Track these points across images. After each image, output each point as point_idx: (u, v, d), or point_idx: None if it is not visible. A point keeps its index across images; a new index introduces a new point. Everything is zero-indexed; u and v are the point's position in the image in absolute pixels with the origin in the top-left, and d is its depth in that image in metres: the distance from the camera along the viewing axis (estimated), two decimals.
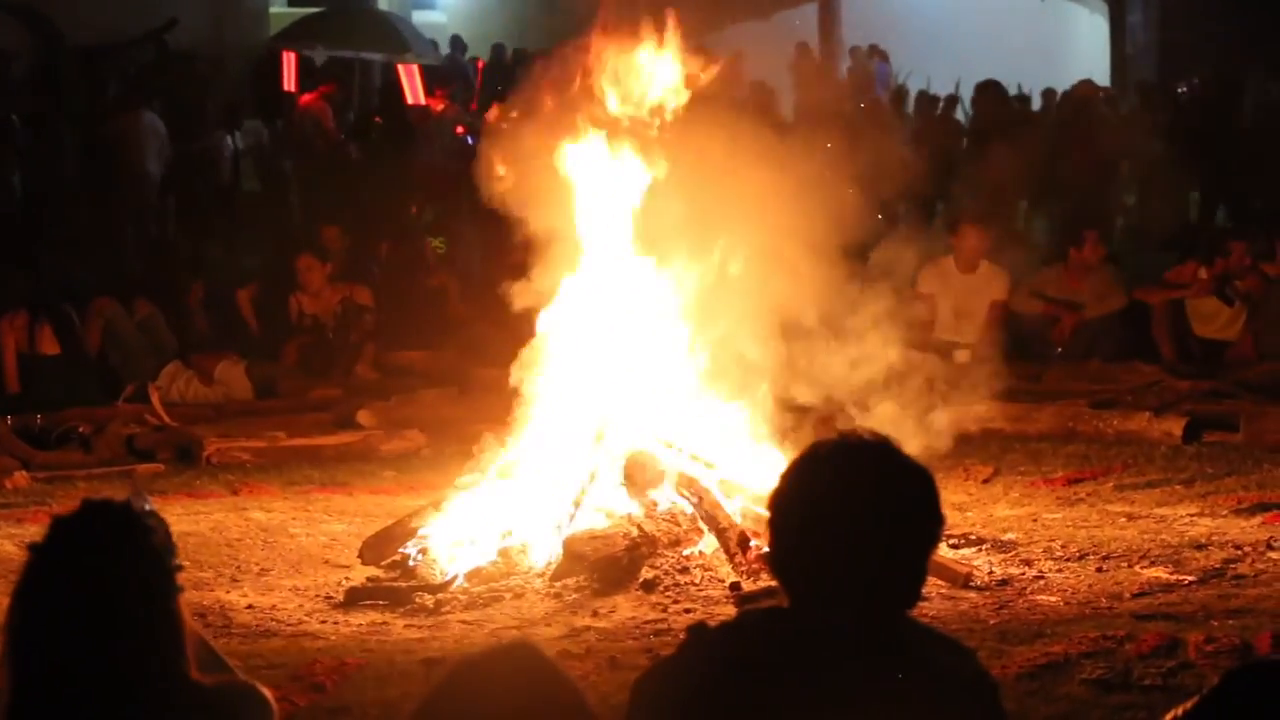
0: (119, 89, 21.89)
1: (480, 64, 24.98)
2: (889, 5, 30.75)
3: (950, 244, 13.87)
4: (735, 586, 8.00)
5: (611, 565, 8.14)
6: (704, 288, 8.99)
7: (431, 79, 24.09)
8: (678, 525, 8.49)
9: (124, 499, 3.59)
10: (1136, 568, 8.31)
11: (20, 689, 3.38)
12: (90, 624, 3.37)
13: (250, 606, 8.11)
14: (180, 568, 3.51)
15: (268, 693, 3.56)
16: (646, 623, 7.72)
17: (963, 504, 9.65)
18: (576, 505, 8.53)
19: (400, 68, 23.92)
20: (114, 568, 3.42)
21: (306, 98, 22.90)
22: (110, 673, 3.37)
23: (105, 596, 3.39)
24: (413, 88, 22.94)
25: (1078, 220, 15.35)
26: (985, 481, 10.35)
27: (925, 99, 23.67)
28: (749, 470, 8.70)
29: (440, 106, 23.00)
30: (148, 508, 3.60)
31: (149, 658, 3.39)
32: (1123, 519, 9.33)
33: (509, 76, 25.05)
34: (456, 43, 29.49)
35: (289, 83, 23.64)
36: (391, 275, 15.37)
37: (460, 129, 22.33)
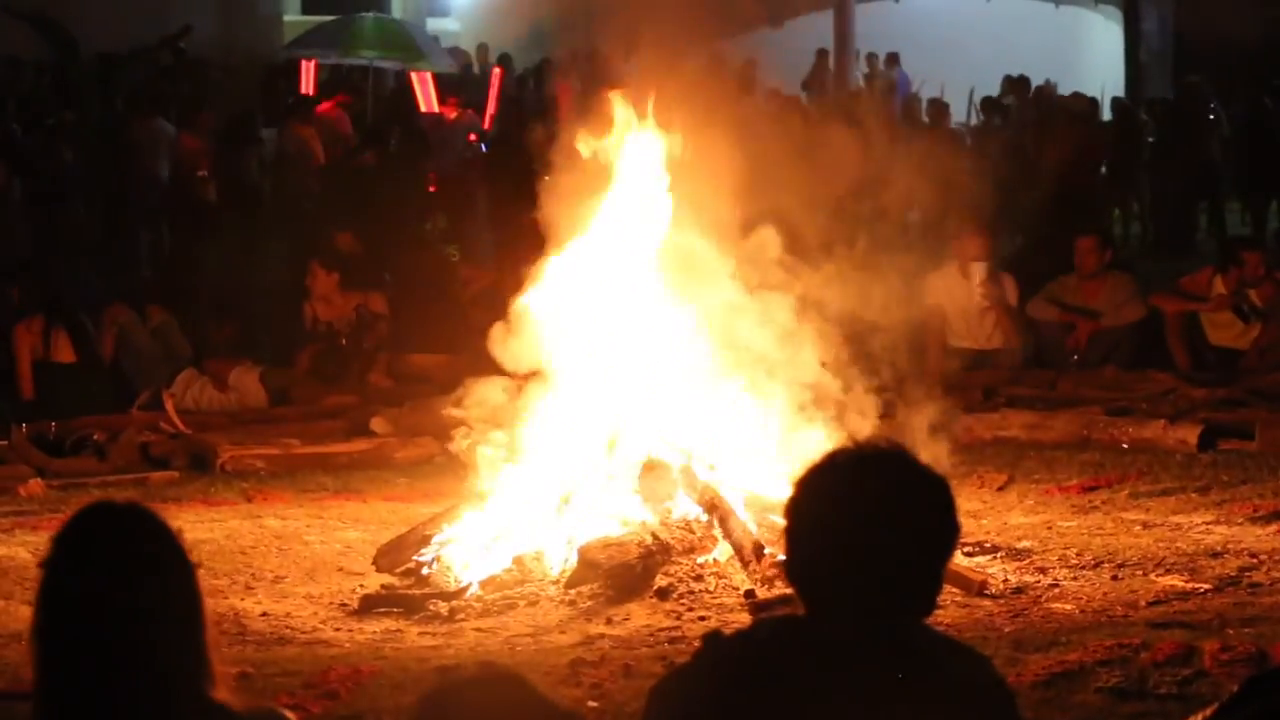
0: (134, 96, 21.93)
1: (499, 72, 25.00)
2: (902, 13, 30.77)
3: (954, 251, 13.86)
4: (750, 594, 7.99)
5: (626, 573, 8.14)
6: (719, 293, 8.99)
7: (444, 87, 24.10)
8: (692, 533, 8.48)
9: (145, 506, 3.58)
10: (1152, 576, 8.30)
11: (47, 689, 3.37)
12: (110, 619, 3.35)
13: (265, 614, 8.12)
14: (198, 565, 3.50)
15: (292, 717, 3.54)
16: (661, 630, 7.71)
17: (977, 512, 9.64)
18: (589, 512, 8.54)
19: (413, 75, 23.92)
20: (134, 560, 3.41)
21: (323, 105, 22.92)
22: (131, 674, 3.35)
23: (124, 591, 3.37)
24: (426, 95, 22.95)
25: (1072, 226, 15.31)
26: (1000, 489, 10.34)
27: (939, 106, 23.74)
28: (765, 478, 8.70)
29: (453, 114, 23.01)
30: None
31: (168, 662, 3.38)
32: (1138, 527, 9.32)
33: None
34: (480, 52, 29.59)
35: (307, 86, 23.67)
36: (406, 282, 15.38)
37: (472, 137, 22.33)
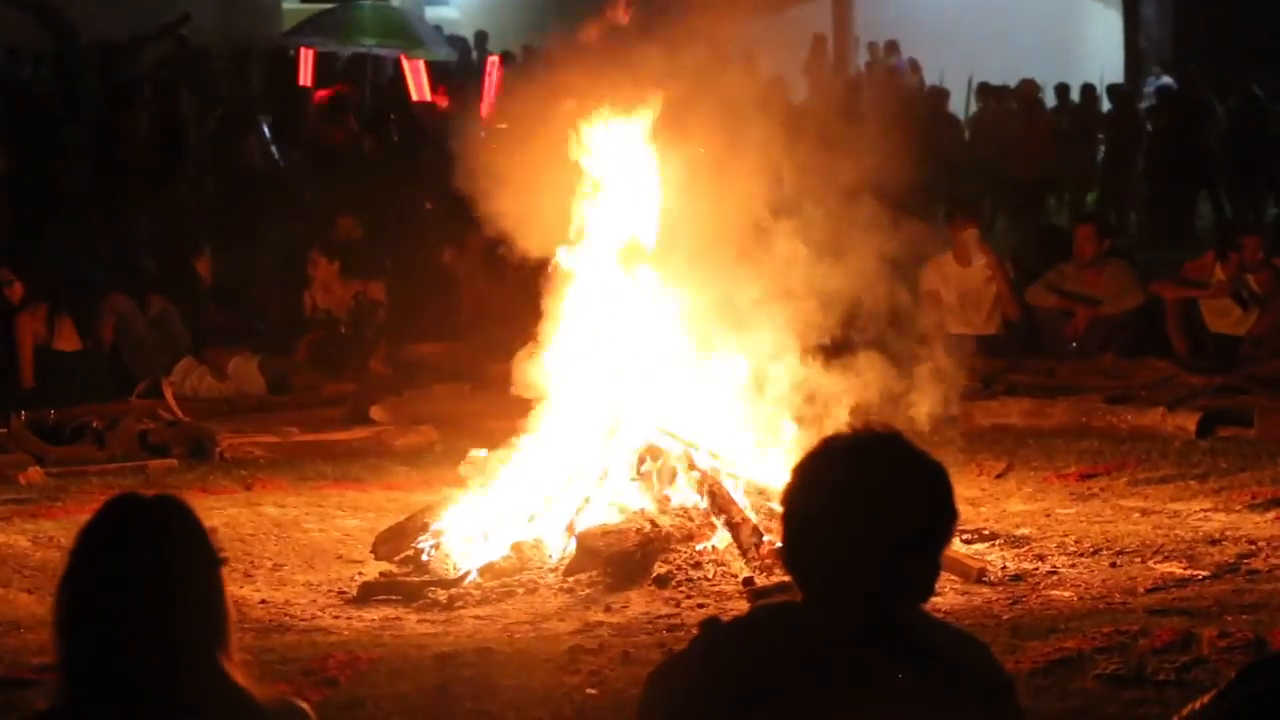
0: (134, 85, 21.89)
1: (497, 60, 24.98)
2: (902, 0, 30.70)
3: (948, 239, 13.88)
4: (748, 581, 7.99)
5: (624, 560, 8.14)
6: (715, 280, 8.99)
7: (438, 75, 24.02)
8: (691, 520, 8.48)
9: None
10: (1150, 563, 8.31)
11: (71, 675, 3.38)
12: (135, 608, 3.36)
13: (264, 602, 8.12)
14: (225, 560, 3.51)
15: (309, 709, 3.55)
16: (659, 618, 7.72)
17: (976, 499, 9.64)
18: (587, 500, 8.54)
19: (405, 63, 23.83)
20: (160, 551, 3.42)
21: (322, 94, 22.87)
22: (154, 662, 3.36)
23: (150, 580, 3.38)
24: (418, 84, 22.86)
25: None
26: (998, 476, 10.34)
27: (937, 93, 23.76)
28: (762, 464, 8.70)
29: (445, 103, 22.95)
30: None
31: (191, 651, 3.39)
32: (1136, 514, 9.32)
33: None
34: (479, 40, 29.55)
35: (305, 78, 23.63)
36: (405, 270, 15.38)
37: None
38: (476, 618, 7.87)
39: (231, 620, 3.47)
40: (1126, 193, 23.05)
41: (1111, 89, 25.02)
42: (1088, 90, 24.48)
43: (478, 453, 9.15)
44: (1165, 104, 23.56)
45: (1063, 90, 24.75)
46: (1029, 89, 23.81)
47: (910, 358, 9.74)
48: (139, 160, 18.88)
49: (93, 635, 3.36)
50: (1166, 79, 26.17)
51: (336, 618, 7.94)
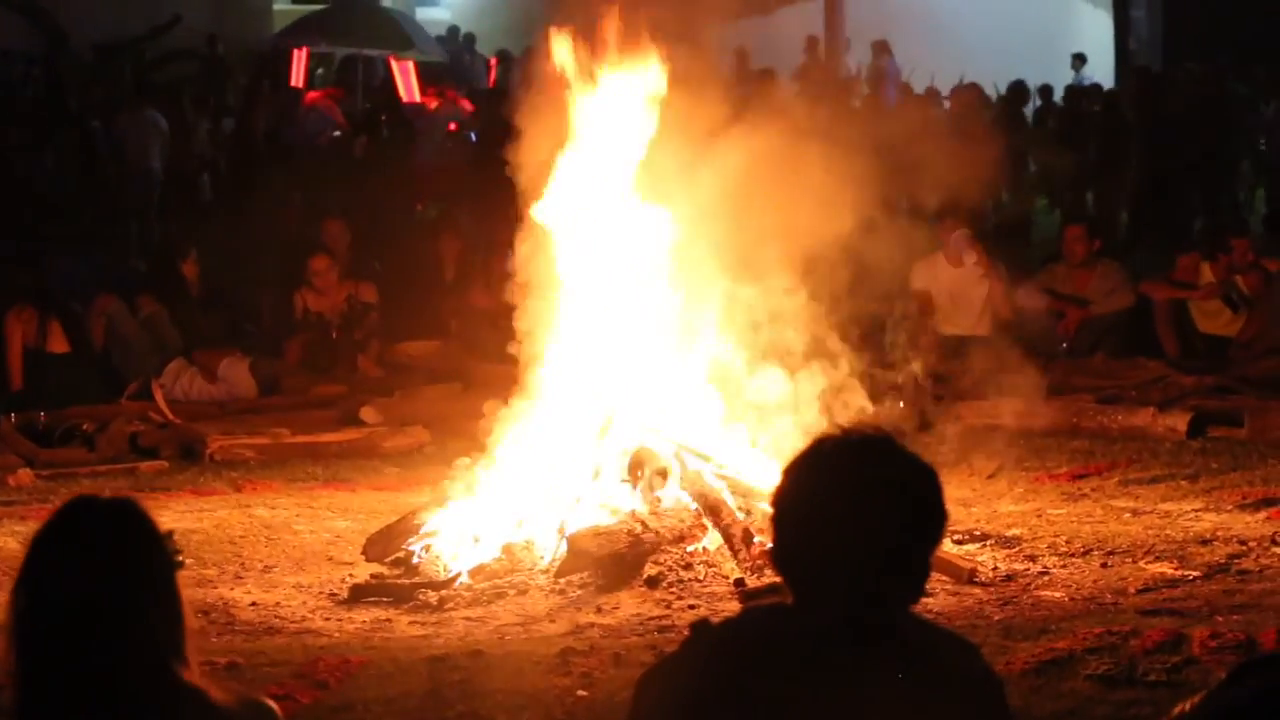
0: (128, 87, 21.91)
1: (494, 61, 24.98)
2: (893, 1, 30.72)
3: (939, 239, 13.89)
4: (739, 583, 7.99)
5: (615, 561, 8.13)
6: (710, 281, 8.99)
7: (427, 76, 24.04)
8: (682, 521, 8.47)
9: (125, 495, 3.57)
10: (1141, 563, 8.31)
11: (24, 679, 3.36)
12: (90, 611, 3.34)
13: (254, 604, 8.10)
14: (182, 564, 3.49)
15: (275, 707, 3.53)
16: (650, 619, 7.71)
17: (967, 500, 9.64)
18: (578, 501, 8.53)
19: (395, 64, 23.85)
20: (115, 554, 3.40)
21: (313, 95, 22.88)
22: (109, 665, 3.34)
23: (104, 583, 3.37)
24: (407, 85, 22.89)
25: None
26: (989, 477, 10.33)
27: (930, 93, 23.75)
28: (753, 466, 8.70)
29: (434, 104, 22.96)
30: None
31: (147, 654, 3.37)
32: (1127, 514, 9.32)
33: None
34: (467, 40, 29.56)
35: (297, 79, 23.63)
36: (396, 270, 15.36)
37: (453, 126, 22.28)
38: (467, 619, 7.86)
39: (189, 623, 3.45)
40: (1116, 193, 23.03)
41: (1096, 89, 25.04)
42: (1071, 91, 24.50)
43: (464, 461, 9.13)
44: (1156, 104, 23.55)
45: (1047, 91, 24.80)
46: (964, 94, 23.74)
47: (901, 358, 9.75)
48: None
49: (46, 639, 3.35)
50: (1091, 75, 26.31)
51: (327, 620, 7.92)
